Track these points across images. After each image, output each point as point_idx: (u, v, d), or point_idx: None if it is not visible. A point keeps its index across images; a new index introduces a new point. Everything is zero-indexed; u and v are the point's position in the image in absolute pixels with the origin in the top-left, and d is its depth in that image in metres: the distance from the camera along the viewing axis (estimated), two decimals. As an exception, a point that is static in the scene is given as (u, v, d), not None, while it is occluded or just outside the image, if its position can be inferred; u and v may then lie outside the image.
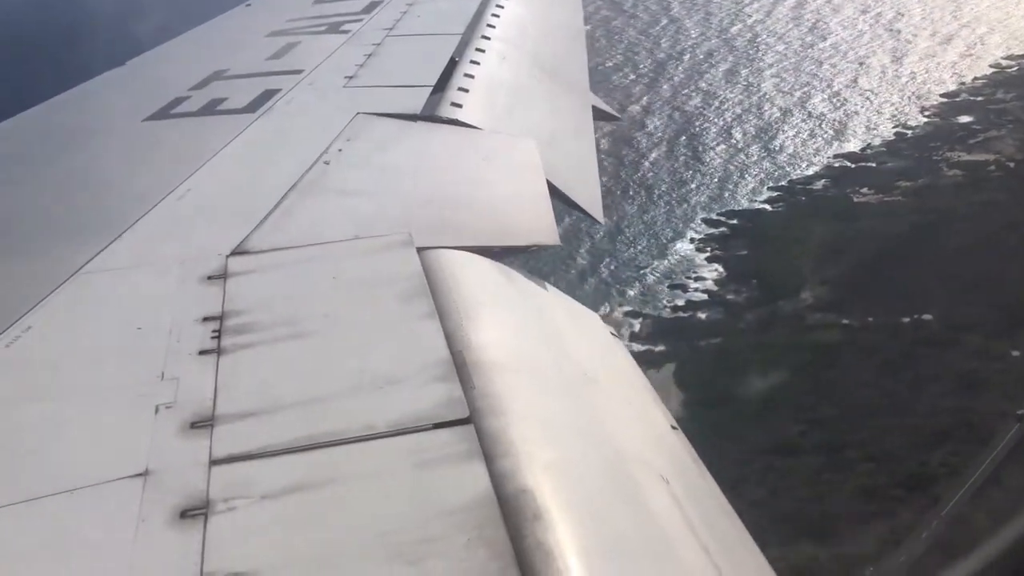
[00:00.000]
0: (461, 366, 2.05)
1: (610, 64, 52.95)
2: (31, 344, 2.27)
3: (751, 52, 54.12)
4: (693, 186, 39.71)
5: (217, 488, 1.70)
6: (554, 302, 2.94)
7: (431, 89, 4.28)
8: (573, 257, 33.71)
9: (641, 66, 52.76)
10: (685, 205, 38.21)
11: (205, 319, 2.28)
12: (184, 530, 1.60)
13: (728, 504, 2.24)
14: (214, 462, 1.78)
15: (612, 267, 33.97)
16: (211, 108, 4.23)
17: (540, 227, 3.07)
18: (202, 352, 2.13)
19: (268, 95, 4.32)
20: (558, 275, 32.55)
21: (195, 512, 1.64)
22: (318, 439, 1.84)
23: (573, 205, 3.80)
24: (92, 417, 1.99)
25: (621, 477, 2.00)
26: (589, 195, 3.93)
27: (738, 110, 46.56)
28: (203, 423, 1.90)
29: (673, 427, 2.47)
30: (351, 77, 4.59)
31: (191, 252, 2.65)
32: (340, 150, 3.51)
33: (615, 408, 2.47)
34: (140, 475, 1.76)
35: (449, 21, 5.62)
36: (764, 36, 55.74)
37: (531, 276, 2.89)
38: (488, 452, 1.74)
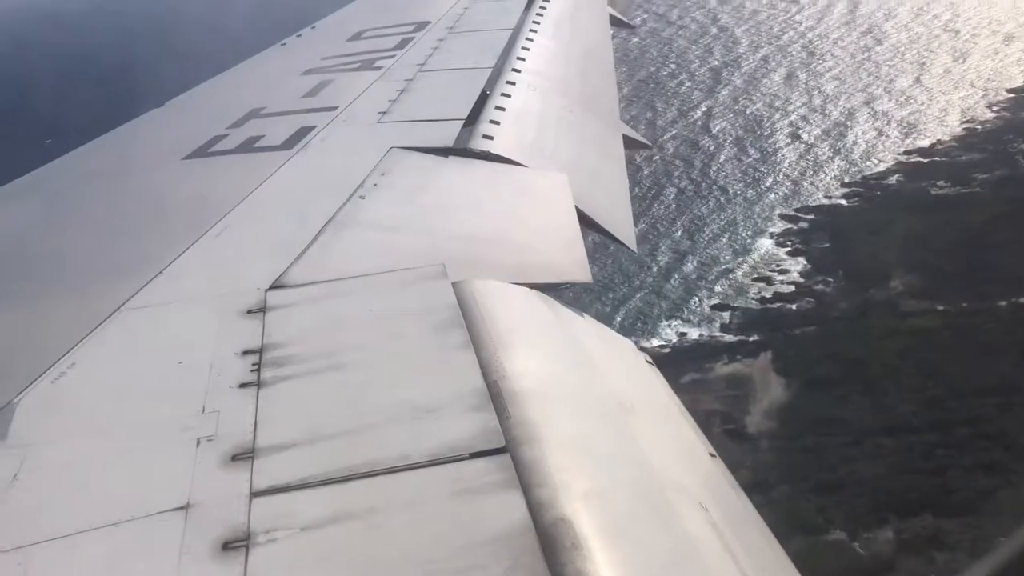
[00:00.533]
0: (496, 395, 2.06)
1: (664, 72, 53.40)
2: (75, 380, 2.33)
3: (807, 57, 54.11)
4: (766, 185, 39.76)
5: (258, 520, 1.72)
6: (589, 330, 2.95)
7: (463, 122, 4.34)
8: (654, 255, 34.19)
9: (697, 74, 53.10)
10: (761, 203, 38.17)
11: (245, 352, 2.32)
12: (226, 562, 1.62)
13: (769, 531, 2.24)
14: (255, 494, 1.80)
15: (694, 263, 34.35)
16: (248, 146, 4.30)
17: (572, 265, 3.09)
18: (242, 385, 2.17)
19: (304, 132, 4.40)
20: (640, 273, 33.08)
21: (237, 544, 1.66)
22: (357, 470, 1.85)
23: (606, 234, 3.82)
24: (135, 451, 2.03)
25: (659, 505, 1.98)
26: (622, 224, 3.93)
27: (802, 111, 46.49)
28: (244, 455, 1.93)
29: (712, 455, 2.46)
30: (384, 112, 4.64)
31: (230, 287, 2.74)
32: (375, 185, 3.56)
33: (652, 436, 2.39)
34: (182, 508, 1.79)
35: (480, 55, 5.72)
36: (818, 42, 55.71)
37: (566, 303, 2.91)
38: (525, 481, 1.74)
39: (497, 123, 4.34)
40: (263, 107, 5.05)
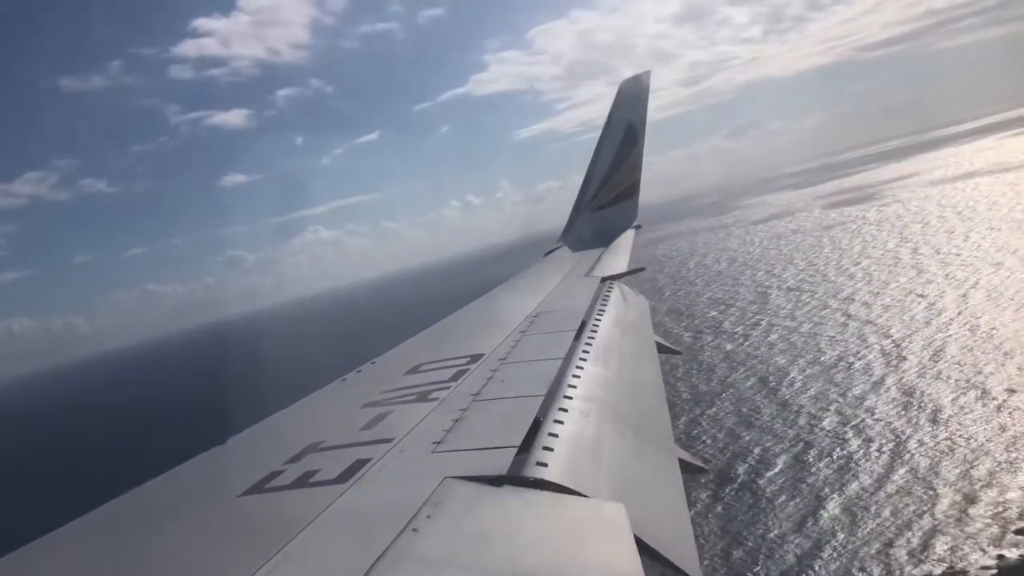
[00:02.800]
0: None
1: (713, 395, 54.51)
2: None
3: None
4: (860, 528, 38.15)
5: None
6: None
7: (516, 449, 4.31)
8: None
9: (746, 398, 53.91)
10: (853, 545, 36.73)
11: None
12: None
13: None
14: None
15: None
16: (304, 480, 4.30)
17: None
18: None
19: (359, 464, 4.39)
20: None
21: None
22: None
23: (667, 563, 3.65)
24: None
25: None
26: (684, 552, 3.77)
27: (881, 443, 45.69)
28: None
29: None
30: (438, 443, 4.65)
31: None
32: (428, 516, 3.51)
33: None
34: None
35: (531, 384, 5.73)
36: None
37: None
38: None
39: (551, 450, 4.28)
40: (321, 441, 5.08)
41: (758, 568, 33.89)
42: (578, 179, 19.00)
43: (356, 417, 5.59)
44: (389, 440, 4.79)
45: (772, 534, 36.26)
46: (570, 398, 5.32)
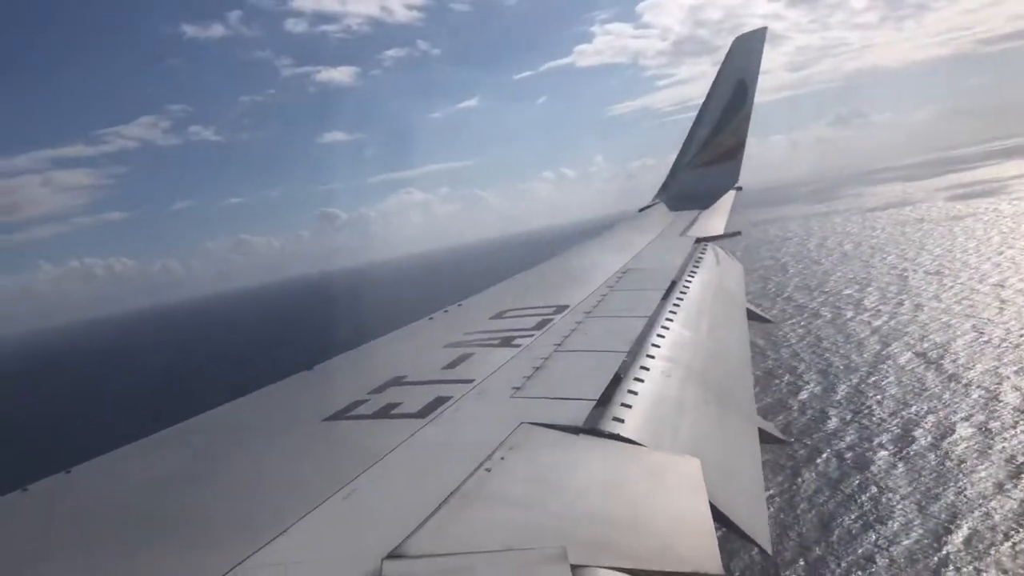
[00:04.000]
0: None
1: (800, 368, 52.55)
2: None
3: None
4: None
5: None
6: None
7: (595, 403, 4.29)
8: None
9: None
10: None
11: None
12: None
13: None
14: None
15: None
16: (385, 412, 4.40)
17: (703, 554, 2.94)
18: None
19: (439, 402, 4.49)
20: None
21: None
22: None
23: (738, 532, 3.57)
24: None
25: None
26: (756, 522, 3.69)
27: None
28: None
29: None
30: (518, 388, 4.69)
31: (349, 552, 2.72)
32: (502, 458, 3.54)
33: None
34: None
35: (615, 340, 5.76)
36: None
37: None
38: None
39: (629, 407, 4.27)
40: (404, 376, 5.24)
41: (824, 546, 31.36)
42: (672, 158, 18.69)
43: (439, 356, 5.77)
44: (469, 381, 4.91)
45: (848, 521, 33.20)
46: (652, 357, 5.31)
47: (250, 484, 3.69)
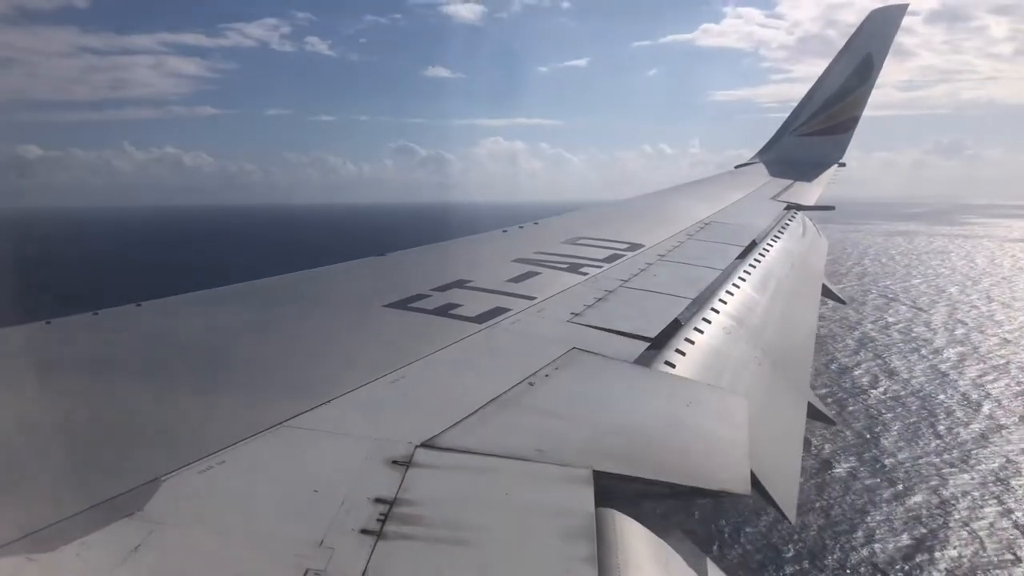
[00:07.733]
0: None
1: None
2: (219, 477, 2.41)
3: None
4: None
5: None
6: None
7: (649, 344, 4.35)
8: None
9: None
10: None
11: (377, 500, 2.34)
12: None
13: None
14: None
15: None
16: (445, 311, 4.55)
17: (733, 475, 2.94)
18: (364, 531, 2.17)
19: (498, 311, 4.60)
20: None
21: None
22: None
23: (766, 497, 3.54)
24: (245, 561, 2.02)
25: None
26: (786, 492, 3.70)
27: None
28: None
29: None
30: (577, 314, 4.77)
31: (386, 433, 2.82)
32: (547, 376, 3.63)
33: None
34: None
35: (682, 286, 5.80)
36: None
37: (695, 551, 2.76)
38: None
39: (683, 353, 4.32)
40: (469, 280, 5.39)
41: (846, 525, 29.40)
42: (770, 156, 17.87)
43: (507, 269, 5.91)
44: (531, 298, 5.02)
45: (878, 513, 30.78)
46: (717, 312, 5.31)
47: (304, 350, 3.85)
